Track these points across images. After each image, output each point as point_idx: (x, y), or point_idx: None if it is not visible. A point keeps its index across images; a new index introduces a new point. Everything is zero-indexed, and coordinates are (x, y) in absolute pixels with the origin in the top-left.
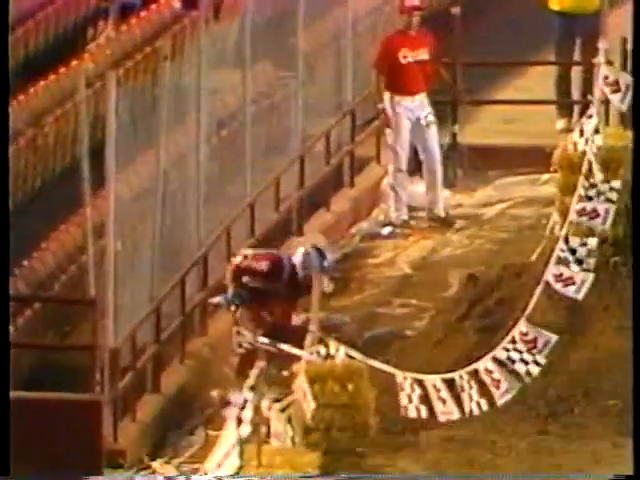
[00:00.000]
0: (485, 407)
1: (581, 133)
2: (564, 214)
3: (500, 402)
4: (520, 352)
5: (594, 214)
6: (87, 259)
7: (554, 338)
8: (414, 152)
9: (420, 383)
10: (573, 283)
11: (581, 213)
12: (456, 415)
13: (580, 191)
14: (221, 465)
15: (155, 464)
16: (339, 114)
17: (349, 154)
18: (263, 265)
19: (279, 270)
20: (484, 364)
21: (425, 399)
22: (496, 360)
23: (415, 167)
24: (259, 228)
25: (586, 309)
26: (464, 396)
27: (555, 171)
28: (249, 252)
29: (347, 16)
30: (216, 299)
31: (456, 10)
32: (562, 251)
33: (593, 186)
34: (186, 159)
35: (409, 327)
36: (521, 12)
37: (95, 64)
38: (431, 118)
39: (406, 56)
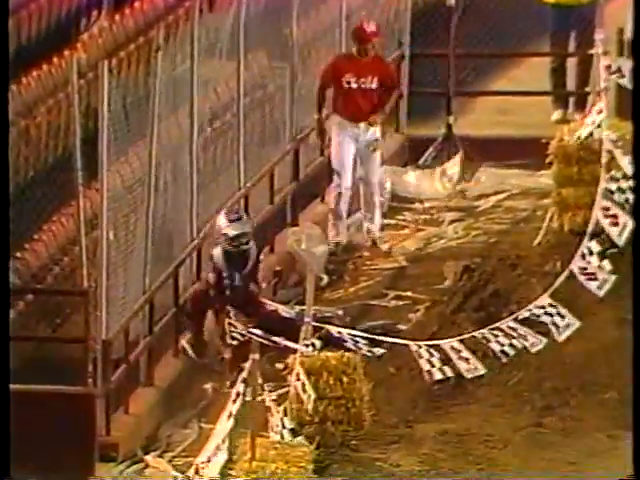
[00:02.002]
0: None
1: (587, 124)
2: (560, 206)
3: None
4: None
5: (614, 220)
6: (80, 251)
7: (543, 341)
8: (411, 143)
9: (437, 348)
10: (596, 279)
11: (606, 214)
12: (481, 371)
13: (602, 184)
14: (211, 459)
15: (148, 457)
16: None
17: None
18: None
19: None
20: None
21: (447, 361)
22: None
23: (408, 159)
24: (253, 219)
25: (582, 302)
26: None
27: (551, 163)
28: None
29: (341, 7)
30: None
31: (451, 2)
32: (587, 247)
33: (614, 179)
34: (179, 150)
35: (404, 319)
36: (516, 3)
37: (88, 54)
38: (376, 144)
39: (349, 81)
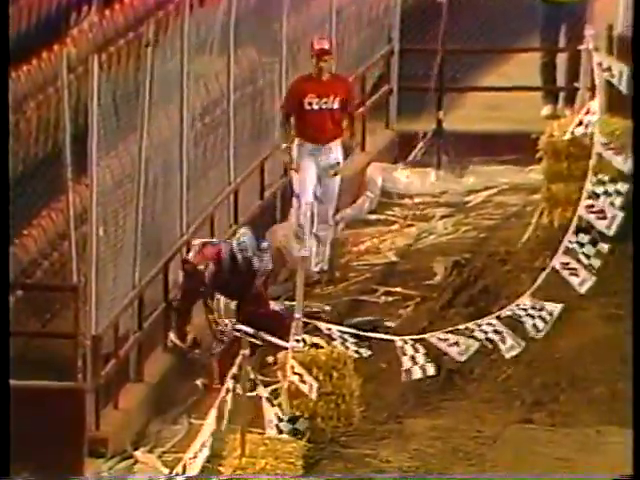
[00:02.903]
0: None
1: (580, 123)
2: (550, 201)
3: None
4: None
5: (601, 215)
6: (69, 246)
7: (522, 344)
8: (401, 139)
9: (423, 343)
10: (577, 275)
11: (590, 210)
12: (475, 346)
13: (588, 186)
14: (197, 456)
15: (137, 453)
16: None
17: None
18: (206, 256)
19: (219, 259)
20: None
21: (431, 358)
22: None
23: (397, 155)
24: (243, 214)
25: (572, 297)
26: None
27: (540, 159)
28: (196, 244)
29: (331, 2)
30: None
31: None
32: (570, 242)
33: (601, 183)
34: (169, 145)
35: (394, 315)
36: None
37: (78, 49)
38: (338, 168)
39: (311, 103)
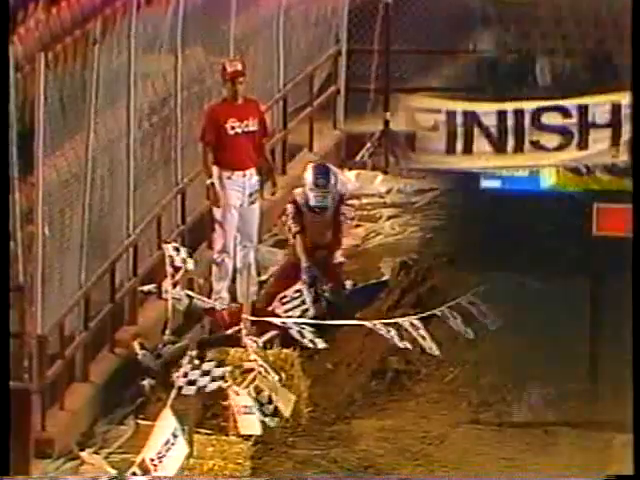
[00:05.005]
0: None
1: None
2: None
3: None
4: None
5: None
6: (15, 245)
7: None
8: (352, 140)
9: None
10: None
11: None
12: (437, 352)
13: None
14: (165, 455)
15: (84, 454)
16: (270, 100)
17: (281, 141)
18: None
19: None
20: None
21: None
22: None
23: (345, 155)
24: (190, 214)
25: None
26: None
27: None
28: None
29: (280, 2)
30: (147, 287)
31: None
32: None
33: None
34: (116, 144)
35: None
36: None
37: (24, 47)
38: (256, 195)
39: (234, 127)
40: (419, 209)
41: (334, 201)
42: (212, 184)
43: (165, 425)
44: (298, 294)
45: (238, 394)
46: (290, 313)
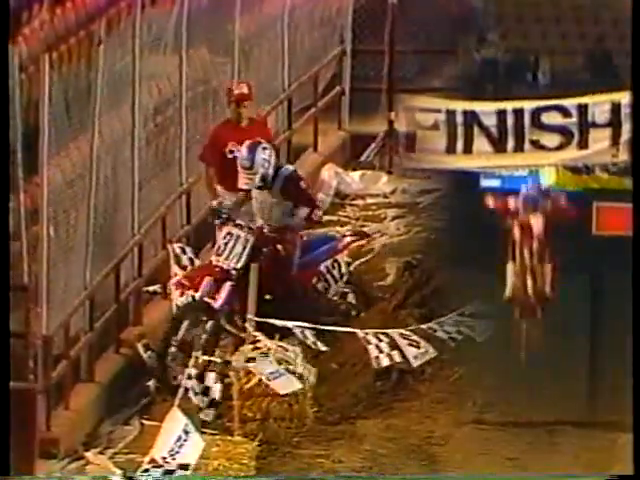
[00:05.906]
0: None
1: None
2: None
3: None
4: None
5: None
6: (20, 246)
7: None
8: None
9: (385, 334)
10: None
11: None
12: (432, 354)
13: None
14: (176, 452)
15: (89, 454)
16: (275, 101)
17: (286, 141)
18: None
19: None
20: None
21: (395, 347)
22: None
23: (350, 156)
24: (195, 215)
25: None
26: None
27: None
28: None
29: (284, 2)
30: (152, 287)
31: None
32: None
33: None
34: (121, 145)
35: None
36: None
37: (29, 48)
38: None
39: (233, 150)
40: (424, 209)
41: (269, 178)
42: (214, 206)
43: (174, 423)
44: (228, 236)
45: (260, 366)
46: (228, 259)
